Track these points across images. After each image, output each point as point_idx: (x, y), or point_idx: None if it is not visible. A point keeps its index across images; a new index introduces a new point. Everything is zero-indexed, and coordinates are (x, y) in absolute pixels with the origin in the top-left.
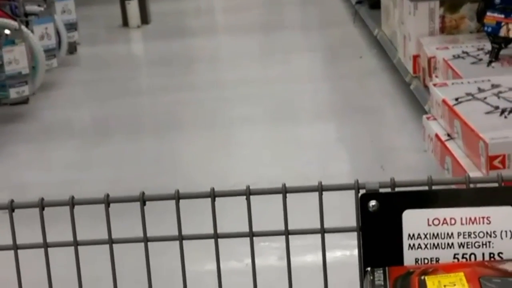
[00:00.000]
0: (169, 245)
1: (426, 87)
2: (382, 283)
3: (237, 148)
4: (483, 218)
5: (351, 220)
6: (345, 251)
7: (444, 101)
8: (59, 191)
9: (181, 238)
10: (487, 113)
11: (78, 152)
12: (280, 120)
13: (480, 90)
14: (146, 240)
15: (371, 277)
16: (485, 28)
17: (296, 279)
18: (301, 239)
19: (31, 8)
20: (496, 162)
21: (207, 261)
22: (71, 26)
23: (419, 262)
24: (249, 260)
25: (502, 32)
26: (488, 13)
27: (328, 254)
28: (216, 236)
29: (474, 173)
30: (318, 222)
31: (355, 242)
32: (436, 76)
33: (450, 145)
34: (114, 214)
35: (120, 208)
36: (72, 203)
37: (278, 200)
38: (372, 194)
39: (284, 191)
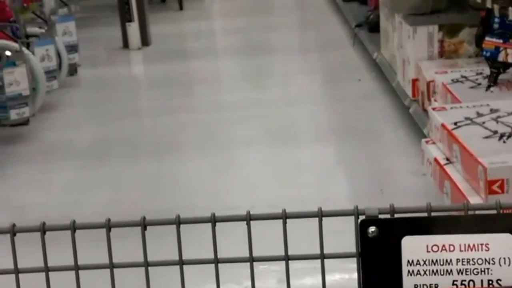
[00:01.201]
0: (170, 267)
1: (425, 110)
2: None
3: (236, 170)
4: (481, 245)
5: (351, 244)
6: (345, 275)
7: (443, 125)
8: (59, 213)
9: (181, 262)
10: (486, 137)
11: (78, 174)
12: (279, 143)
13: (479, 114)
14: (146, 264)
15: None
16: (484, 53)
17: None
18: (301, 263)
19: (32, 29)
20: (495, 187)
21: (207, 284)
22: (72, 48)
23: None
24: (249, 283)
25: (501, 57)
26: (487, 38)
27: (328, 277)
28: (216, 261)
29: (473, 198)
30: (318, 245)
31: (355, 266)
32: (435, 100)
33: (449, 169)
34: (115, 236)
35: (121, 231)
36: (73, 227)
37: (278, 223)
38: (371, 220)
39: (285, 216)
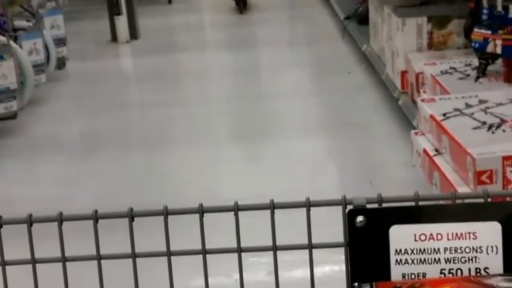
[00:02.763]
0: (158, 260)
1: (414, 102)
2: None
3: (226, 163)
4: (469, 233)
5: (340, 235)
6: (334, 266)
7: (431, 117)
8: (47, 206)
9: (169, 254)
10: (475, 128)
11: (66, 167)
12: (269, 135)
13: (468, 105)
14: (134, 256)
15: None
16: (473, 44)
17: None
18: (290, 254)
19: (19, 23)
20: (483, 177)
21: (196, 276)
22: (60, 41)
23: (406, 277)
24: (238, 276)
25: (489, 48)
26: (476, 29)
27: (317, 269)
28: (204, 252)
29: (462, 188)
30: (307, 236)
31: (344, 257)
32: (424, 92)
33: (438, 160)
34: (103, 229)
35: (108, 223)
36: (60, 219)
37: (267, 215)
38: (359, 209)
39: (272, 207)
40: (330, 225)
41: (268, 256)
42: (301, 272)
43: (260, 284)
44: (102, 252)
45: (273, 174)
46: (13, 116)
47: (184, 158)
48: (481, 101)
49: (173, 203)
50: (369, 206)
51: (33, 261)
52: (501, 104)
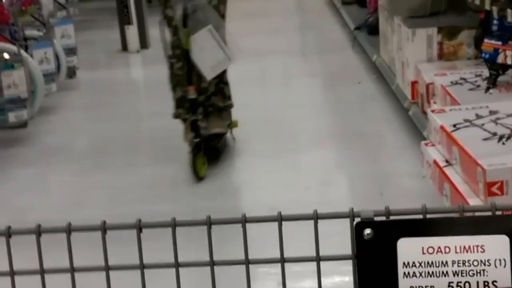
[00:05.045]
0: (166, 271)
1: (424, 113)
2: None
3: (236, 174)
4: (477, 246)
5: (348, 246)
6: (343, 277)
7: (442, 128)
8: (58, 215)
9: (177, 265)
10: (485, 139)
11: (77, 176)
12: (279, 145)
13: (478, 116)
14: (142, 267)
15: None
16: (483, 55)
17: None
18: (300, 265)
19: (30, 32)
20: (494, 189)
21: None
22: (70, 51)
23: None
24: (246, 287)
25: (500, 59)
26: (486, 40)
27: (326, 280)
28: (212, 263)
29: (473, 200)
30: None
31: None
32: (435, 102)
33: (448, 171)
34: (111, 239)
35: (117, 234)
36: (69, 229)
37: (276, 226)
38: (367, 222)
39: (280, 219)
40: (340, 236)
41: (277, 267)
42: (310, 283)
43: None
44: (111, 262)
45: (284, 185)
46: (23, 125)
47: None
48: (491, 112)
49: (182, 213)
50: (377, 218)
51: (42, 272)
52: (511, 115)
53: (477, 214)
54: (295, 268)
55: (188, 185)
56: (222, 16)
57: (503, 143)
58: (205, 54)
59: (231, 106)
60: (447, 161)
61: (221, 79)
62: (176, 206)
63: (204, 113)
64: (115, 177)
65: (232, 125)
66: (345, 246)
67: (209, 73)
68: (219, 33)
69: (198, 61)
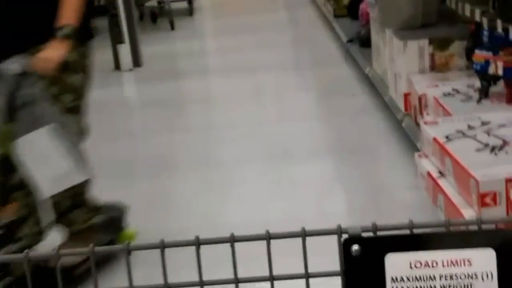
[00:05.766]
0: None
1: (417, 124)
2: None
3: (231, 189)
4: (464, 260)
5: (338, 262)
6: None
7: (434, 139)
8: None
9: (167, 286)
10: (478, 150)
11: None
12: (273, 160)
13: (470, 127)
14: (167, 286)
15: None
16: (474, 66)
17: None
18: (292, 283)
19: None
20: (487, 199)
21: None
22: None
23: None
24: None
25: (491, 70)
26: (477, 51)
27: None
28: (201, 283)
29: (466, 211)
30: (312, 264)
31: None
32: (427, 114)
33: (442, 182)
34: None
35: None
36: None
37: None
38: (354, 238)
39: (268, 237)
40: (330, 251)
41: (268, 285)
42: None
43: None
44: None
45: (279, 199)
46: None
47: (189, 184)
48: (483, 123)
49: (178, 231)
50: (364, 234)
51: None
52: (503, 125)
53: (463, 228)
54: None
55: (186, 202)
56: (72, 109)
57: (496, 154)
58: (43, 163)
59: (98, 223)
60: (440, 173)
61: (79, 189)
62: (170, 224)
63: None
64: (110, 196)
65: (122, 237)
66: (333, 261)
67: (48, 189)
68: (65, 134)
69: (30, 172)
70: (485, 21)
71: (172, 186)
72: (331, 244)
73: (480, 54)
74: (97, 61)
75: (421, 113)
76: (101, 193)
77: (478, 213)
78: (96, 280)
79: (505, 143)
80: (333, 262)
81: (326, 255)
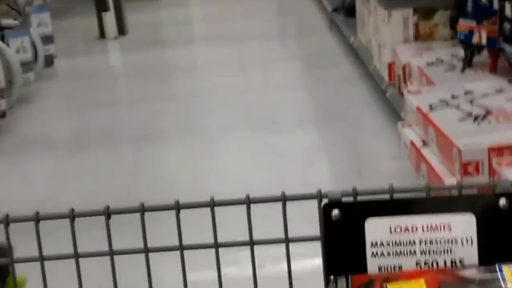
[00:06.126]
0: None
1: (401, 94)
2: None
3: (216, 157)
4: (444, 225)
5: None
6: (312, 260)
7: (418, 108)
8: (38, 205)
9: (146, 250)
10: (461, 119)
11: (56, 165)
12: (257, 129)
13: (454, 97)
14: (112, 253)
15: (334, 285)
16: (458, 36)
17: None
18: (277, 249)
19: (6, 21)
20: (470, 168)
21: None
22: (47, 39)
23: (382, 269)
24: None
25: (475, 39)
26: (461, 21)
27: (297, 263)
28: (181, 248)
29: (449, 179)
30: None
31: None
32: (411, 83)
33: (425, 151)
34: (83, 228)
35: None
36: (37, 218)
37: (255, 210)
38: (334, 203)
39: (248, 201)
40: (310, 218)
41: (258, 250)
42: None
43: (241, 278)
44: (80, 250)
45: (263, 167)
46: (2, 115)
47: (174, 152)
48: (467, 92)
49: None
50: (344, 199)
51: (12, 262)
52: (486, 95)
53: (444, 193)
54: (272, 251)
55: (171, 170)
56: None
57: (478, 123)
58: None
59: None
60: (423, 142)
61: None
62: (155, 191)
63: None
64: (95, 164)
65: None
66: (316, 229)
67: None
68: None
69: None
70: None
71: (155, 154)
72: (312, 211)
73: (464, 24)
74: (81, 29)
75: (405, 83)
76: (87, 161)
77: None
78: (75, 245)
79: (488, 112)
80: (314, 229)
81: (307, 221)
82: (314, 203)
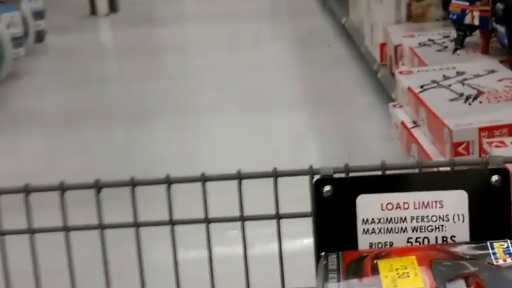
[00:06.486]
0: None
1: (393, 75)
2: (335, 267)
3: (206, 137)
4: (435, 202)
5: (308, 205)
6: (303, 238)
7: (409, 89)
8: (27, 180)
9: (137, 225)
10: (452, 100)
11: (47, 141)
12: (248, 109)
13: (445, 77)
14: (101, 227)
15: (325, 262)
16: (450, 16)
17: (254, 267)
18: (268, 227)
19: None
20: (460, 149)
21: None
22: (38, 15)
23: (374, 246)
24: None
25: (467, 20)
26: (453, 1)
27: (289, 241)
28: (172, 222)
29: (440, 160)
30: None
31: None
32: (403, 64)
33: (415, 132)
34: (74, 202)
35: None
36: (27, 190)
37: (246, 188)
38: (326, 179)
39: (239, 177)
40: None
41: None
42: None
43: (230, 257)
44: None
45: (253, 147)
46: None
47: (165, 131)
48: (458, 73)
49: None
50: (336, 175)
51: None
52: (478, 75)
53: (436, 170)
54: (264, 230)
55: (162, 149)
56: None
57: (470, 104)
58: None
59: None
60: (414, 122)
61: None
62: (146, 170)
63: None
64: (85, 141)
65: None
66: (305, 206)
67: None
68: None
69: None
70: None
71: (146, 132)
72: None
73: (456, 4)
74: (72, 5)
75: (396, 64)
76: (77, 138)
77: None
78: (65, 218)
79: (479, 93)
80: (304, 206)
81: (297, 199)
82: (303, 183)
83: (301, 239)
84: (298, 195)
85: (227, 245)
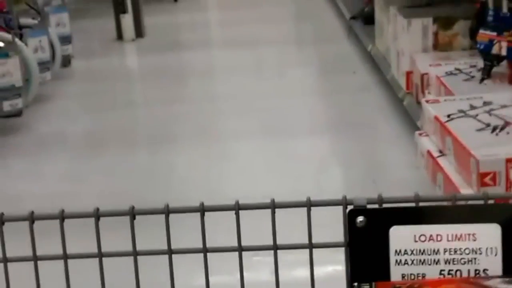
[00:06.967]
0: (160, 258)
1: (419, 103)
2: None
3: (230, 162)
4: (469, 235)
5: (340, 236)
6: (336, 266)
7: (436, 118)
8: (53, 204)
9: (170, 252)
10: (479, 130)
11: (72, 165)
12: (273, 134)
13: (472, 107)
14: (135, 253)
15: None
16: (478, 46)
17: None
18: (293, 254)
19: (25, 20)
20: (487, 179)
21: (197, 275)
22: (65, 39)
23: (406, 277)
24: (239, 275)
25: (495, 50)
26: (481, 31)
27: (319, 269)
28: (205, 250)
29: (466, 190)
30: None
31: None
32: (429, 93)
33: (441, 161)
34: (105, 228)
35: (111, 221)
36: (62, 216)
37: (269, 214)
38: (359, 210)
39: (273, 206)
40: (332, 226)
41: (272, 256)
42: (304, 271)
43: (262, 283)
44: (104, 250)
45: (278, 174)
46: (18, 113)
47: (189, 156)
48: (485, 103)
49: (177, 200)
50: (369, 206)
51: (35, 259)
52: (505, 106)
53: (469, 203)
54: (287, 257)
55: (186, 173)
56: None
57: (497, 134)
58: None
59: None
60: (440, 152)
61: None
62: (170, 194)
63: None
64: (110, 165)
65: None
66: (337, 236)
67: None
68: None
69: None
70: (490, 1)
71: (170, 156)
72: (333, 219)
73: (484, 34)
74: (99, 30)
75: (422, 92)
76: (102, 162)
77: (476, 193)
78: (99, 244)
79: (506, 123)
80: (336, 236)
81: (329, 228)
82: (328, 212)
83: (332, 267)
84: (323, 219)
85: (252, 271)
